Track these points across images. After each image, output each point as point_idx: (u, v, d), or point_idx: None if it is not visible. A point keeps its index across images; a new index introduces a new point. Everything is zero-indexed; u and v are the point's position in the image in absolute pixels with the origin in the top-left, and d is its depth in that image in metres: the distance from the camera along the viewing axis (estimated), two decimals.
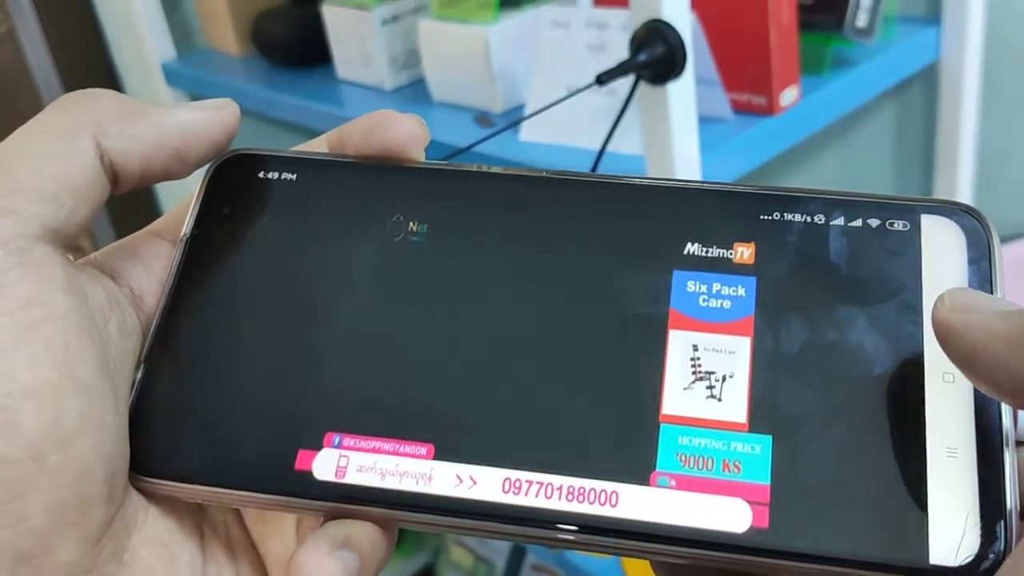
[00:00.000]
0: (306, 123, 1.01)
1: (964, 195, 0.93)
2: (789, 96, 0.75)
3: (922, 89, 0.94)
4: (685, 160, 0.64)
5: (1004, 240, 0.92)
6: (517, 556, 1.30)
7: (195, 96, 1.24)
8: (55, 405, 0.22)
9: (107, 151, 0.25)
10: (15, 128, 0.25)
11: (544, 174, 0.28)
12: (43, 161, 0.24)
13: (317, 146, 0.29)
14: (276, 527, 0.27)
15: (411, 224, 0.27)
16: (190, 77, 1.19)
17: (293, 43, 1.07)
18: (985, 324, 0.20)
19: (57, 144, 0.24)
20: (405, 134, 0.28)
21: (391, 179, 0.28)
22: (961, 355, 0.21)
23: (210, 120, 0.26)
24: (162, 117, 0.26)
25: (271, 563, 0.27)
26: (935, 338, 0.22)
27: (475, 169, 0.28)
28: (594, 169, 0.66)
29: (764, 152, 0.75)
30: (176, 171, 0.26)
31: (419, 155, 0.28)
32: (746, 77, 0.74)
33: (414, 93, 0.95)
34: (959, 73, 0.88)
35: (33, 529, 0.21)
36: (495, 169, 0.28)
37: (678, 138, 0.63)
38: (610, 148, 0.67)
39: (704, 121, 0.68)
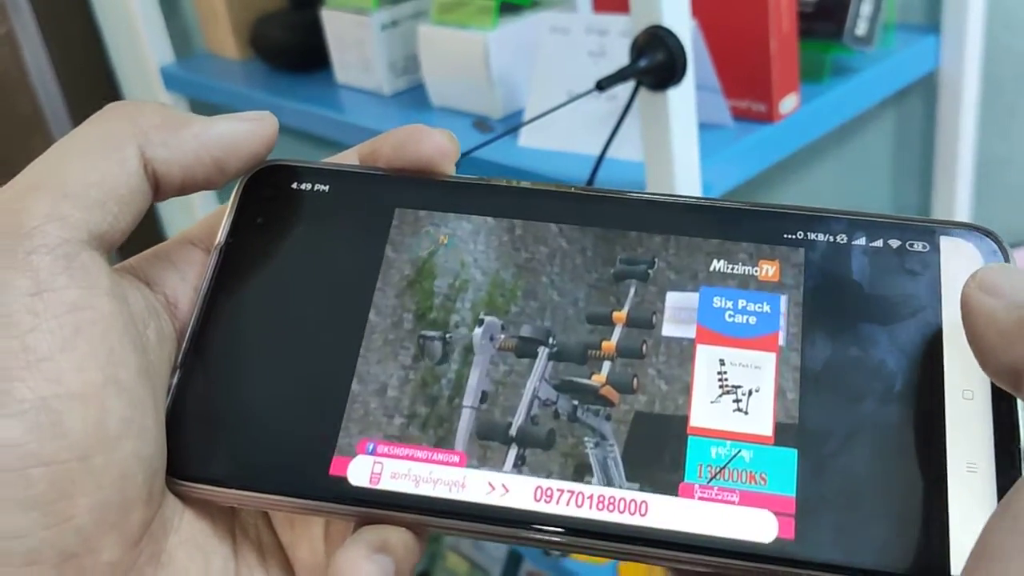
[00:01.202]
0: (305, 128, 1.01)
1: (963, 202, 0.93)
2: (789, 103, 0.75)
3: (921, 97, 0.94)
4: (685, 167, 0.64)
5: None
6: (513, 563, 1.30)
7: (194, 101, 1.24)
8: (100, 408, 0.22)
9: (151, 160, 0.25)
10: (13, 131, 0.25)
11: (573, 190, 0.28)
12: (89, 169, 0.24)
13: (348, 158, 0.30)
14: (304, 533, 0.28)
15: (441, 236, 0.28)
16: (189, 81, 1.18)
17: (292, 47, 1.07)
18: (991, 310, 0.22)
19: (103, 153, 0.25)
20: (436, 148, 0.28)
21: (422, 192, 0.28)
22: (968, 334, 0.22)
23: (250, 132, 0.27)
24: (203, 128, 0.26)
25: (299, 567, 0.28)
26: (955, 353, 0.23)
27: (504, 184, 0.29)
28: (593, 175, 0.66)
29: (764, 159, 0.75)
30: (216, 181, 0.27)
31: (450, 169, 0.29)
32: (746, 84, 0.73)
33: (413, 98, 0.95)
34: (958, 81, 0.88)
35: (78, 529, 0.22)
36: (524, 184, 0.29)
37: (678, 145, 0.63)
38: (610, 154, 0.67)
39: (704, 128, 0.68)
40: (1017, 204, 0.94)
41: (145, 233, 0.29)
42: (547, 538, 0.24)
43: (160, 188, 0.26)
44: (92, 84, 1.49)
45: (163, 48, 1.21)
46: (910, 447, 0.24)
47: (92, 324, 0.23)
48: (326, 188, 0.29)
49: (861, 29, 0.79)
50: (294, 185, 0.29)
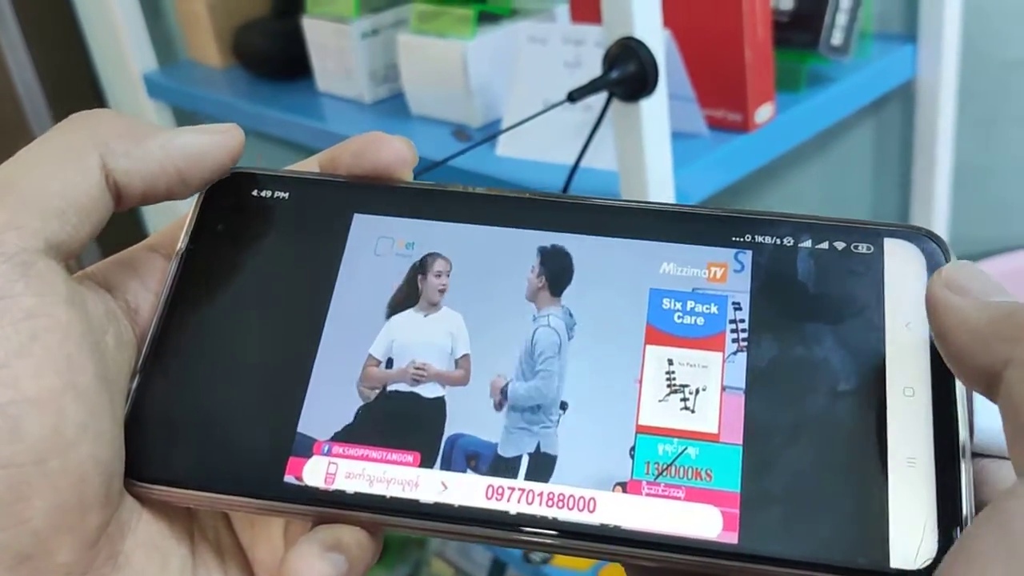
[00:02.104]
0: (286, 136, 1.01)
1: (941, 211, 0.94)
2: (764, 113, 0.75)
3: (899, 106, 0.94)
4: (658, 176, 0.64)
5: (981, 256, 0.93)
6: (497, 570, 1.30)
7: (177, 108, 1.24)
8: (57, 413, 0.22)
9: (112, 171, 0.25)
10: None
11: (528, 195, 0.29)
12: (49, 178, 0.24)
13: (309, 165, 0.30)
14: (264, 533, 0.28)
15: (398, 242, 0.28)
16: (172, 89, 1.19)
17: (274, 55, 1.07)
18: (961, 309, 0.22)
19: (64, 162, 0.25)
20: (394, 155, 0.29)
21: (379, 198, 0.29)
22: (936, 333, 0.23)
23: (214, 144, 0.27)
24: (167, 139, 0.26)
25: (259, 568, 0.28)
26: (896, 352, 0.24)
27: (460, 190, 0.29)
28: (567, 184, 0.66)
29: (739, 168, 0.75)
30: (178, 192, 0.27)
31: (407, 175, 0.29)
32: (721, 94, 0.74)
33: (394, 107, 0.95)
34: (936, 90, 0.88)
35: (33, 531, 0.22)
36: (480, 190, 0.29)
37: (651, 155, 0.63)
38: (585, 163, 0.67)
39: (679, 137, 0.68)
40: (995, 213, 0.94)
41: (131, 236, 0.30)
42: (499, 535, 0.25)
43: (122, 198, 0.26)
44: (76, 91, 1.49)
45: (146, 55, 1.21)
46: (852, 443, 0.24)
47: (49, 331, 0.23)
48: (286, 195, 0.29)
49: (837, 38, 0.79)
50: (255, 192, 0.29)
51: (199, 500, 0.26)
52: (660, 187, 0.65)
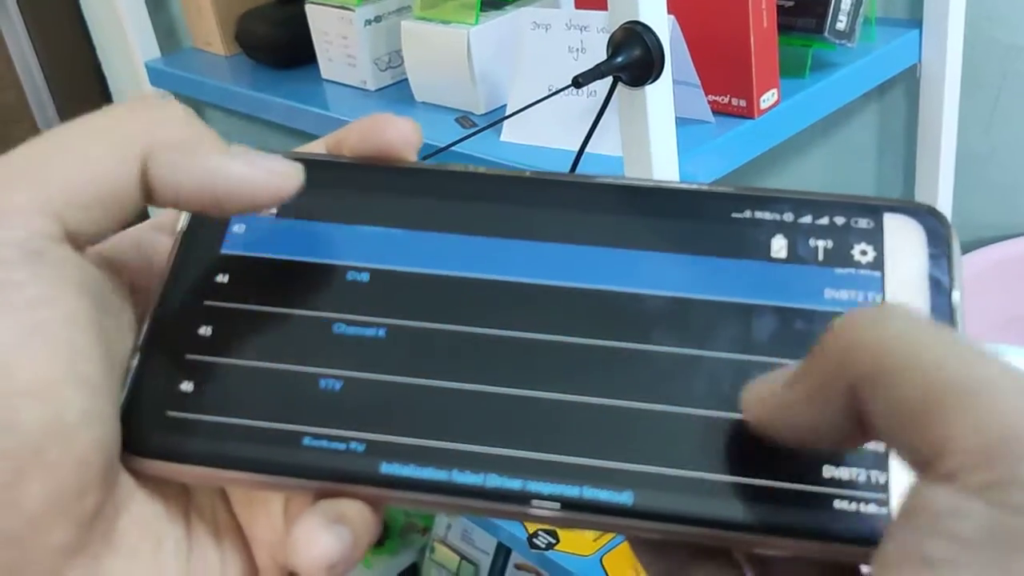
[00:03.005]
0: (290, 123, 1.01)
1: (945, 196, 0.94)
2: (769, 99, 0.75)
3: (903, 91, 0.94)
4: (663, 162, 0.64)
5: (986, 242, 0.93)
6: (502, 556, 1.31)
7: (179, 95, 1.24)
8: (58, 402, 0.22)
9: (151, 176, 0.25)
10: None
11: (528, 175, 0.29)
12: (83, 166, 0.24)
13: (316, 148, 0.30)
14: (263, 510, 0.28)
15: (402, 221, 0.28)
16: (175, 76, 1.18)
17: (278, 43, 1.07)
18: (782, 399, 0.22)
19: (104, 152, 0.24)
20: (399, 136, 0.29)
21: (384, 178, 0.29)
22: (790, 441, 0.22)
23: (265, 184, 0.26)
24: (218, 165, 0.25)
25: (257, 546, 0.28)
26: None
27: (462, 170, 0.29)
28: (572, 170, 0.66)
29: (744, 154, 0.75)
30: (211, 213, 0.26)
31: (412, 156, 0.29)
32: (726, 80, 0.74)
33: (398, 93, 0.95)
34: (940, 75, 0.88)
35: (27, 514, 0.22)
36: (482, 170, 0.29)
37: (656, 140, 0.63)
38: (590, 149, 0.67)
39: (684, 123, 0.68)
40: (999, 198, 0.94)
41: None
42: (497, 507, 0.25)
43: (151, 199, 0.25)
44: (78, 79, 1.49)
45: (149, 43, 1.21)
46: None
47: (54, 320, 0.23)
48: None
49: (842, 24, 0.79)
50: None
51: (197, 475, 0.26)
52: (665, 173, 0.65)
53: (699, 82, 0.72)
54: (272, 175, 0.26)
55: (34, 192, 0.23)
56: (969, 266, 0.88)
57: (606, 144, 0.71)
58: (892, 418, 0.19)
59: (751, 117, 0.74)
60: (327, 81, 1.01)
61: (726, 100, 0.75)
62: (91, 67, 1.42)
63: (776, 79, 0.75)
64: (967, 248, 0.93)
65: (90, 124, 0.25)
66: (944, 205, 0.94)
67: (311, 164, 0.29)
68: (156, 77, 1.21)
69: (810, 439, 0.22)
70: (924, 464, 0.19)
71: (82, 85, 1.47)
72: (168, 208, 0.26)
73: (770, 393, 0.23)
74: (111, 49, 1.31)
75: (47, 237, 0.23)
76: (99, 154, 0.24)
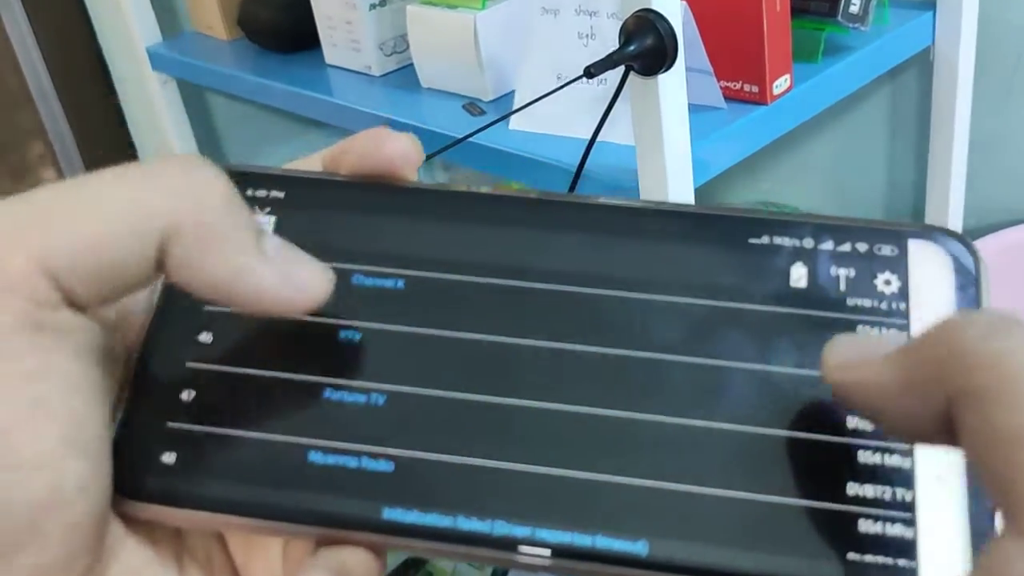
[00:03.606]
0: (293, 108, 1.00)
1: (958, 180, 0.93)
2: (782, 84, 0.74)
3: (916, 74, 0.93)
4: (676, 151, 0.63)
5: (998, 226, 0.92)
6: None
7: (181, 81, 1.22)
8: (58, 474, 0.21)
9: (168, 258, 0.22)
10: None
11: (533, 196, 0.27)
12: (95, 231, 0.22)
13: (311, 163, 0.28)
14: (260, 553, 0.26)
15: (399, 247, 0.27)
16: (176, 61, 1.17)
17: (281, 27, 1.05)
18: (876, 375, 0.20)
19: (121, 221, 0.22)
20: (398, 153, 0.27)
21: (380, 199, 0.27)
22: (866, 413, 0.21)
23: (287, 299, 0.24)
24: (244, 267, 0.23)
25: None
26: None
27: (465, 191, 0.27)
28: (583, 160, 0.65)
29: (756, 141, 0.74)
30: (220, 305, 0.24)
31: (411, 175, 0.27)
32: (739, 66, 0.73)
33: (403, 79, 0.94)
34: (954, 58, 0.87)
35: None
36: (485, 190, 0.27)
37: (669, 129, 0.62)
38: (601, 138, 0.66)
39: (696, 110, 0.67)
40: (1012, 182, 0.93)
41: None
42: (504, 557, 0.23)
43: (162, 272, 0.23)
44: (79, 64, 1.48)
45: (150, 27, 1.20)
46: (877, 455, 0.23)
47: (54, 392, 0.21)
48: (282, 195, 0.28)
49: (855, 7, 0.77)
50: (249, 192, 0.28)
51: (191, 520, 0.24)
52: (678, 162, 0.64)
53: (711, 69, 0.70)
54: (297, 292, 0.24)
55: (35, 252, 0.21)
56: (981, 250, 0.87)
57: (617, 132, 0.70)
58: (985, 443, 0.18)
59: (763, 103, 0.73)
60: (331, 66, 1.00)
61: (738, 86, 0.74)
62: (91, 52, 1.41)
63: (789, 64, 0.74)
64: (980, 233, 0.92)
65: (112, 182, 0.22)
66: (956, 190, 0.93)
67: (307, 184, 0.28)
68: (157, 62, 1.20)
69: (890, 424, 0.20)
70: (1011, 508, 0.17)
71: (83, 70, 1.46)
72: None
73: (862, 362, 0.21)
74: (111, 34, 1.30)
75: (46, 304, 0.21)
76: (115, 220, 0.22)
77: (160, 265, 0.23)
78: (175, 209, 0.22)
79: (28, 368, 0.21)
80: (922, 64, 0.91)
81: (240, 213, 0.23)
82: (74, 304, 0.22)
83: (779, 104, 0.74)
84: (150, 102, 1.24)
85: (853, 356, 0.21)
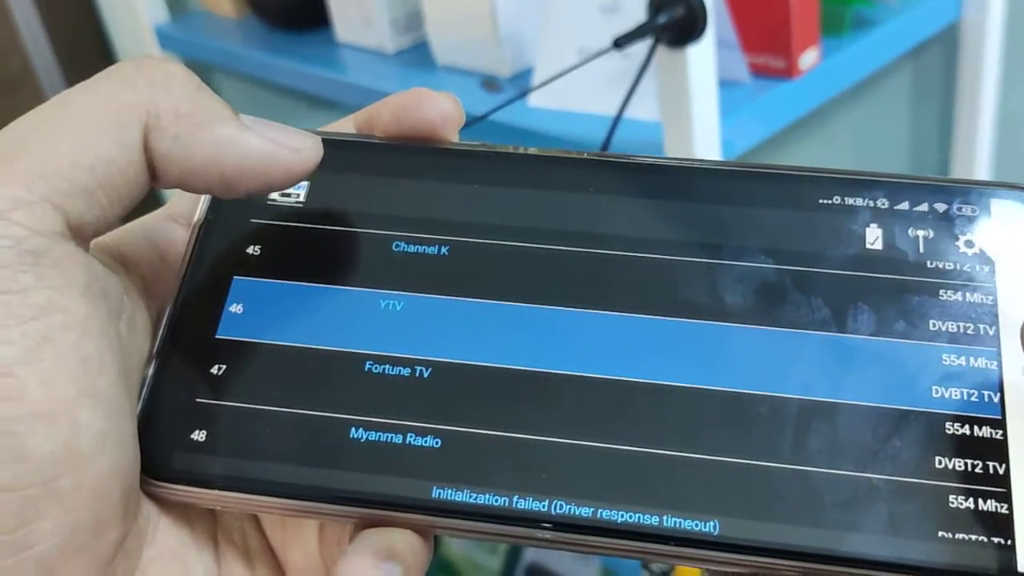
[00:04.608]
0: (304, 88, 0.99)
1: (983, 158, 0.91)
2: (809, 59, 0.72)
3: (941, 49, 0.91)
4: (704, 126, 0.62)
5: None
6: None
7: (190, 61, 1.21)
8: (71, 425, 0.19)
9: (153, 152, 0.22)
10: (2, 88, 0.21)
11: (586, 156, 0.26)
12: (82, 147, 0.21)
13: (344, 125, 0.27)
14: (297, 534, 0.25)
15: (441, 212, 0.25)
16: (184, 41, 1.16)
17: (291, 5, 1.03)
18: None
19: (101, 130, 0.21)
20: (439, 114, 0.25)
21: (422, 161, 0.26)
22: None
23: (280, 160, 0.23)
24: (228, 137, 0.22)
25: (291, 570, 0.25)
26: (1011, 326, 0.21)
27: (512, 151, 0.26)
28: (610, 135, 0.63)
29: (783, 116, 0.73)
30: (218, 193, 0.23)
31: (454, 136, 0.26)
32: (765, 39, 0.71)
33: (417, 56, 0.92)
34: (980, 33, 0.85)
35: (39, 558, 0.19)
36: (534, 151, 0.26)
37: (697, 103, 0.60)
38: (624, 113, 0.64)
39: (721, 85, 0.65)
40: None
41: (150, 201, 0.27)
42: (557, 537, 0.22)
43: (155, 179, 0.22)
44: (84, 44, 1.46)
45: (157, 6, 1.18)
46: (967, 430, 0.22)
47: (63, 331, 0.20)
48: None
49: None
50: None
51: (226, 501, 0.23)
52: (706, 137, 0.62)
53: (737, 42, 0.69)
54: (288, 151, 0.23)
55: (30, 180, 0.20)
56: None
57: (641, 108, 0.68)
58: None
59: (790, 77, 0.71)
60: (342, 44, 0.98)
61: (763, 60, 0.72)
62: (97, 32, 1.39)
63: (816, 38, 0.72)
64: None
65: (85, 96, 0.21)
66: (982, 167, 0.91)
67: (341, 146, 0.26)
68: (165, 41, 1.18)
69: None
70: None
71: (89, 51, 1.44)
72: (176, 189, 0.23)
73: None
74: (117, 13, 1.28)
75: (49, 233, 0.20)
76: (97, 130, 0.21)
77: (151, 168, 0.22)
78: (148, 100, 0.22)
79: (33, 303, 0.20)
80: (947, 40, 0.89)
81: (210, 95, 0.23)
82: (78, 234, 0.21)
83: (806, 78, 0.72)
84: (216, 97, 1.23)
85: None
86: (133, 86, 0.22)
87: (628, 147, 0.67)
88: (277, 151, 0.23)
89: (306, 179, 0.24)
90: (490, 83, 0.81)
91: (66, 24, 1.43)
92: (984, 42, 0.85)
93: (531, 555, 1.23)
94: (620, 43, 0.58)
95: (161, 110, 0.22)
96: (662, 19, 0.56)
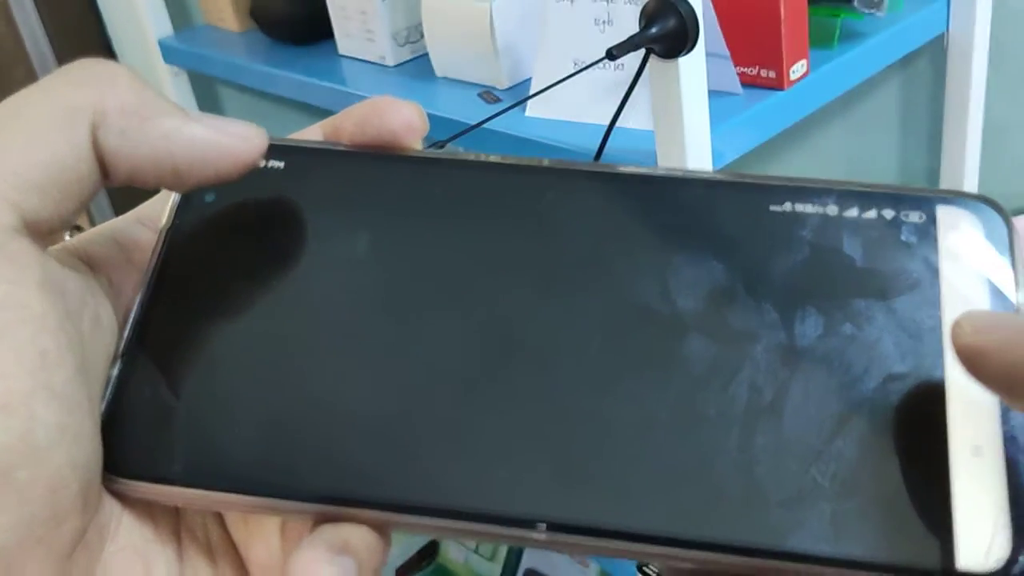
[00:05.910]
0: (307, 100, 1.00)
1: (971, 168, 0.93)
2: (799, 70, 0.74)
3: (929, 61, 0.93)
4: (695, 135, 0.63)
5: (1012, 214, 0.92)
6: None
7: (194, 74, 1.23)
8: (27, 418, 0.20)
9: (101, 147, 0.22)
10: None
11: (546, 164, 0.27)
12: (32, 145, 0.21)
13: (312, 134, 0.28)
14: (259, 530, 0.26)
15: (403, 216, 0.26)
16: (188, 54, 1.17)
17: (293, 18, 1.05)
18: (1009, 346, 0.19)
19: (52, 127, 0.22)
20: (402, 122, 0.26)
21: (383, 168, 0.27)
22: (998, 378, 0.20)
23: (227, 149, 0.24)
24: (174, 128, 0.23)
25: (254, 567, 0.25)
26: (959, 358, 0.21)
27: (473, 159, 0.27)
28: (603, 145, 0.65)
29: (773, 126, 0.74)
30: (170, 186, 0.24)
31: (416, 145, 0.27)
32: (755, 51, 0.73)
33: (417, 69, 0.94)
34: (968, 45, 0.87)
35: None
36: (494, 158, 0.27)
37: (689, 113, 0.62)
38: (618, 123, 0.66)
39: (713, 95, 0.67)
40: None
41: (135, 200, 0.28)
42: (511, 533, 0.23)
43: (107, 176, 0.23)
44: (89, 56, 1.48)
45: (161, 20, 1.20)
46: (909, 430, 0.22)
47: (19, 324, 0.20)
48: (281, 165, 0.27)
49: None
50: None
51: (187, 498, 0.24)
52: (697, 146, 0.64)
53: (728, 53, 0.70)
54: (235, 139, 0.24)
55: None
56: None
57: (634, 118, 0.70)
58: None
59: (780, 88, 0.73)
60: (344, 57, 1.00)
61: (754, 71, 0.74)
62: (102, 46, 1.41)
63: (806, 49, 0.74)
64: None
65: (34, 96, 0.22)
66: (971, 176, 0.93)
67: (307, 153, 0.27)
68: (169, 55, 1.20)
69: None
70: None
71: None
72: (126, 185, 0.24)
73: (1002, 324, 0.20)
74: (122, 27, 1.30)
75: (3, 228, 0.21)
76: (47, 129, 0.22)
77: (102, 165, 0.23)
78: (95, 98, 0.22)
79: None
80: (933, 51, 0.91)
81: (155, 93, 0.23)
82: (34, 231, 0.21)
83: (796, 89, 0.74)
84: (162, 95, 1.24)
85: (990, 323, 0.20)
86: (80, 85, 0.22)
87: (621, 156, 0.69)
88: (224, 139, 0.23)
89: (252, 166, 0.25)
90: (488, 94, 0.83)
91: (71, 37, 1.45)
92: (971, 54, 0.87)
93: (527, 561, 1.24)
94: (613, 54, 0.59)
95: (107, 107, 0.22)
96: (654, 30, 0.58)
